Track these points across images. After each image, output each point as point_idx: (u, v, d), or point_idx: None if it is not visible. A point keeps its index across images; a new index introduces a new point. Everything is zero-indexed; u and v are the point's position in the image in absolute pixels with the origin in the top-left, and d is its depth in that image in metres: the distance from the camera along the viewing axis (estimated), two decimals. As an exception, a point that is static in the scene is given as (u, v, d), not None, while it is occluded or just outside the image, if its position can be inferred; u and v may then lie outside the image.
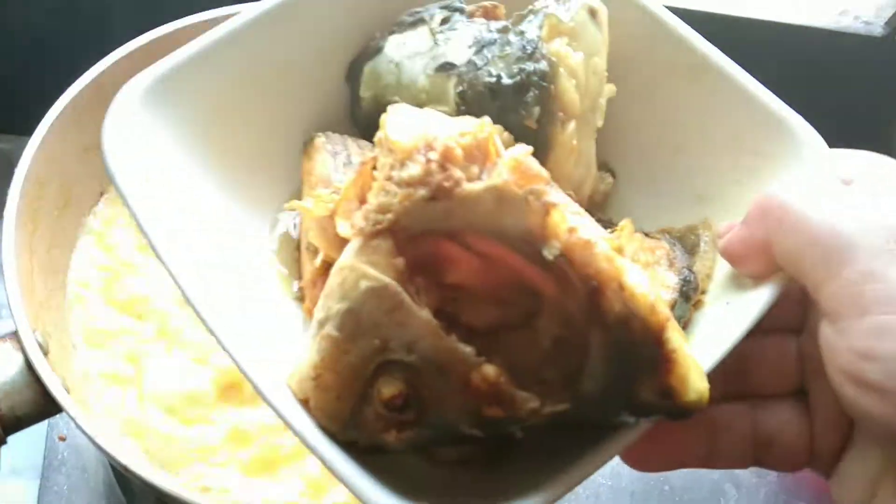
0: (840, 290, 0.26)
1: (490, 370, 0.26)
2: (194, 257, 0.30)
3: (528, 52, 0.34)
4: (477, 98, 0.34)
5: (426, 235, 0.25)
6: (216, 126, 0.35)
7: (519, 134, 0.33)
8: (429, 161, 0.25)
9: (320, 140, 0.36)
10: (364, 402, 0.26)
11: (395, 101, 0.33)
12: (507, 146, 0.28)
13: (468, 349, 0.26)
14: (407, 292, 0.25)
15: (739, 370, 0.33)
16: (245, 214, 0.35)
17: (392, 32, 0.37)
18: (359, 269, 0.26)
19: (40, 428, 0.61)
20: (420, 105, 0.34)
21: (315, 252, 0.32)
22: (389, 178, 0.25)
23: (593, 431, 0.28)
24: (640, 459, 0.32)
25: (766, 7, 0.75)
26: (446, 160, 0.25)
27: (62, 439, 0.60)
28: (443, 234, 0.26)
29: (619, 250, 0.27)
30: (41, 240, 0.51)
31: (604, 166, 0.39)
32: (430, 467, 0.30)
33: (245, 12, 0.35)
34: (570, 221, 0.25)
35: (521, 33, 0.35)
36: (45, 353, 0.45)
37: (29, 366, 0.44)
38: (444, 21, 0.37)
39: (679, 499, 0.70)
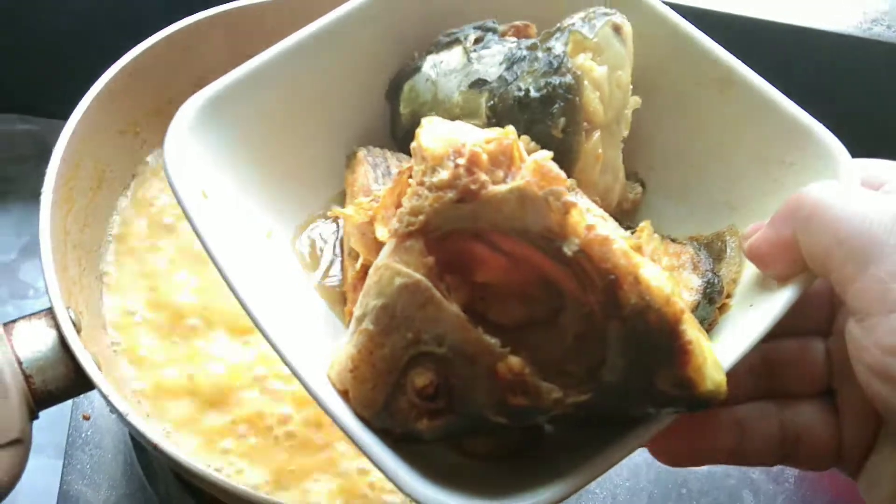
0: (867, 287, 0.27)
1: (515, 361, 0.28)
2: (245, 266, 0.32)
3: (555, 66, 0.36)
4: (506, 111, 0.36)
5: (455, 236, 0.28)
6: (265, 142, 0.38)
7: (546, 144, 0.35)
8: (457, 166, 0.27)
9: (362, 153, 0.39)
10: (398, 391, 0.28)
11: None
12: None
13: (494, 340, 0.28)
14: (437, 288, 0.28)
15: (767, 371, 0.34)
16: (289, 221, 0.38)
17: (429, 52, 0.41)
18: (393, 267, 0.28)
19: (65, 407, 0.63)
20: (454, 119, 0.35)
21: (356, 257, 0.34)
22: (422, 183, 0.28)
23: (616, 425, 0.30)
24: (669, 454, 0.33)
25: (796, 12, 0.75)
26: (473, 165, 0.27)
27: (86, 418, 0.62)
28: (470, 234, 0.27)
29: (638, 248, 0.28)
30: (75, 220, 0.53)
31: (633, 176, 0.41)
32: (461, 460, 0.32)
33: (291, 36, 0.38)
34: (589, 220, 0.27)
35: (549, 49, 0.37)
36: (78, 331, 0.45)
37: (62, 342, 0.45)
38: (478, 41, 0.39)
39: (696, 502, 0.70)
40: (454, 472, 0.30)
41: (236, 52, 0.63)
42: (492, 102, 0.37)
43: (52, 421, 0.60)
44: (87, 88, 0.54)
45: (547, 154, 0.28)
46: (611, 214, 0.33)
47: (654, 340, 0.27)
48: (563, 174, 0.27)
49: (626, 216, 0.40)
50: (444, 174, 0.27)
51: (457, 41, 0.40)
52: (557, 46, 0.37)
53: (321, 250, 0.38)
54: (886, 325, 0.27)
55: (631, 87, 0.38)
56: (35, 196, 0.80)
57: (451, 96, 0.38)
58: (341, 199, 0.40)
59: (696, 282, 0.34)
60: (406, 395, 0.28)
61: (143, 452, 0.61)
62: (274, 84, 0.38)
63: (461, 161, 0.27)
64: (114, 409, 0.43)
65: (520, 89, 0.36)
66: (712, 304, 0.34)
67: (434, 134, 0.28)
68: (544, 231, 0.27)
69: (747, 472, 0.73)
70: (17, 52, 0.79)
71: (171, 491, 0.59)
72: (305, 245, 0.38)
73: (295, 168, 0.39)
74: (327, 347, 0.31)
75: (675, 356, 0.27)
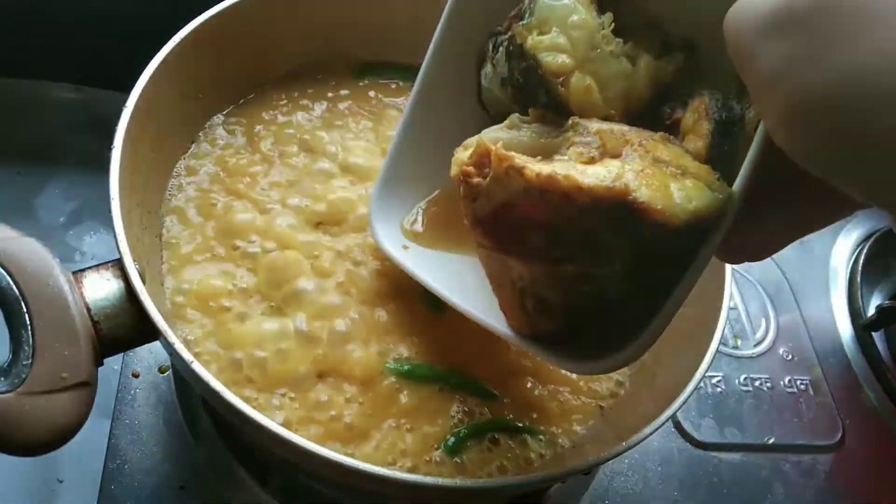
0: (746, 76, 0.31)
1: (568, 267, 0.41)
2: (450, 282, 0.52)
3: (519, 54, 0.47)
4: (519, 95, 0.48)
5: (495, 212, 0.41)
6: (428, 182, 0.55)
7: (546, 106, 0.46)
8: (461, 181, 0.42)
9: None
10: (527, 313, 0.45)
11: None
12: (538, 120, 0.45)
13: (543, 265, 0.42)
14: (504, 253, 0.43)
15: None
16: None
17: (481, 66, 0.51)
18: (478, 247, 0.44)
19: (115, 363, 0.65)
20: (508, 106, 0.48)
21: None
22: (460, 195, 0.43)
23: (677, 267, 0.40)
24: (741, 253, 0.39)
25: None
26: (466, 177, 0.41)
27: (135, 375, 0.64)
28: (500, 206, 0.40)
29: (591, 161, 0.40)
30: (139, 178, 0.55)
31: (678, 46, 0.47)
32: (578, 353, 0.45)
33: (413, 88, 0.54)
34: (536, 169, 0.38)
35: (514, 40, 0.47)
36: (143, 283, 0.48)
37: (129, 292, 0.47)
38: (494, 47, 0.49)
39: (727, 491, 0.72)
40: (577, 356, 0.44)
41: (297, 25, 0.66)
42: (511, 92, 0.48)
43: (103, 377, 0.62)
44: (140, 61, 0.56)
45: (498, 143, 0.40)
46: (648, 97, 0.46)
47: (620, 217, 0.37)
48: (507, 153, 0.39)
49: (676, 85, 0.46)
50: (463, 188, 0.42)
51: (485, 54, 0.50)
52: (517, 37, 0.47)
53: None
54: (762, 103, 0.30)
55: (595, 10, 0.46)
56: (84, 163, 0.83)
57: (499, 96, 0.49)
58: None
59: (706, 127, 0.42)
60: (530, 313, 0.44)
61: (190, 411, 0.63)
62: (421, 126, 0.54)
63: (462, 178, 0.42)
64: (177, 358, 0.46)
65: (514, 78, 0.47)
66: (731, 135, 0.41)
67: (457, 160, 0.43)
68: (522, 189, 0.39)
69: (779, 464, 0.75)
70: (72, 23, 0.82)
71: (216, 450, 0.62)
72: None
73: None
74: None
75: (639, 218, 0.37)
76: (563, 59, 0.45)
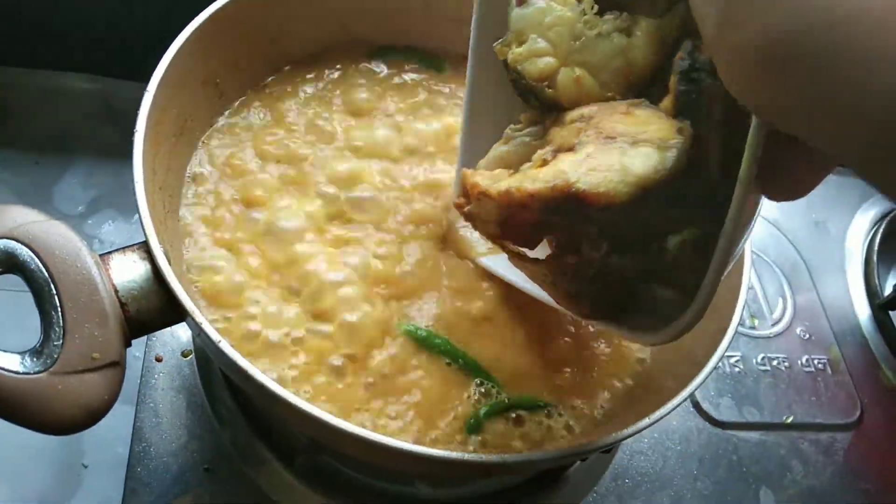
0: (701, 31, 0.32)
1: (569, 258, 0.44)
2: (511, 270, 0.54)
3: (511, 68, 0.48)
4: (527, 101, 0.50)
5: (498, 229, 0.46)
6: None
7: (541, 111, 0.48)
8: (458, 209, 0.48)
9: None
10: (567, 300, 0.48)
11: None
12: (531, 123, 0.48)
13: (547, 267, 0.46)
14: (520, 257, 0.48)
15: None
16: None
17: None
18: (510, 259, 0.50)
19: (137, 349, 0.66)
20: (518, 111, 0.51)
21: None
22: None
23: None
24: (784, 192, 0.38)
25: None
26: (458, 207, 0.47)
27: (159, 360, 0.65)
28: (498, 224, 0.45)
29: (545, 163, 0.43)
30: (161, 162, 0.56)
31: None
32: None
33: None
34: (502, 187, 0.43)
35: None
36: (169, 265, 0.48)
37: (155, 274, 0.48)
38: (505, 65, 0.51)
39: (746, 469, 0.72)
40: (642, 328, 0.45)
41: (312, 10, 0.67)
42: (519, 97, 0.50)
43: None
44: (158, 50, 0.57)
45: (473, 176, 0.46)
46: (654, 61, 0.45)
47: (575, 208, 0.40)
48: (475, 180, 0.45)
49: (686, 36, 0.44)
50: (463, 216, 0.47)
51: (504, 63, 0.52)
52: (498, 55, 0.49)
53: None
54: (707, 48, 0.31)
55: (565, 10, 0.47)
56: (102, 152, 0.84)
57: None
58: None
59: (673, 79, 0.42)
60: (572, 302, 0.47)
61: (213, 394, 0.64)
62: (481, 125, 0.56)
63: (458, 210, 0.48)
64: (205, 338, 0.46)
65: (518, 91, 0.49)
66: (696, 81, 0.41)
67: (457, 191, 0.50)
68: (499, 209, 0.44)
69: (797, 443, 0.75)
70: (89, 13, 0.82)
71: (240, 432, 0.63)
72: None
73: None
74: None
75: (586, 203, 0.39)
76: (545, 62, 0.46)
